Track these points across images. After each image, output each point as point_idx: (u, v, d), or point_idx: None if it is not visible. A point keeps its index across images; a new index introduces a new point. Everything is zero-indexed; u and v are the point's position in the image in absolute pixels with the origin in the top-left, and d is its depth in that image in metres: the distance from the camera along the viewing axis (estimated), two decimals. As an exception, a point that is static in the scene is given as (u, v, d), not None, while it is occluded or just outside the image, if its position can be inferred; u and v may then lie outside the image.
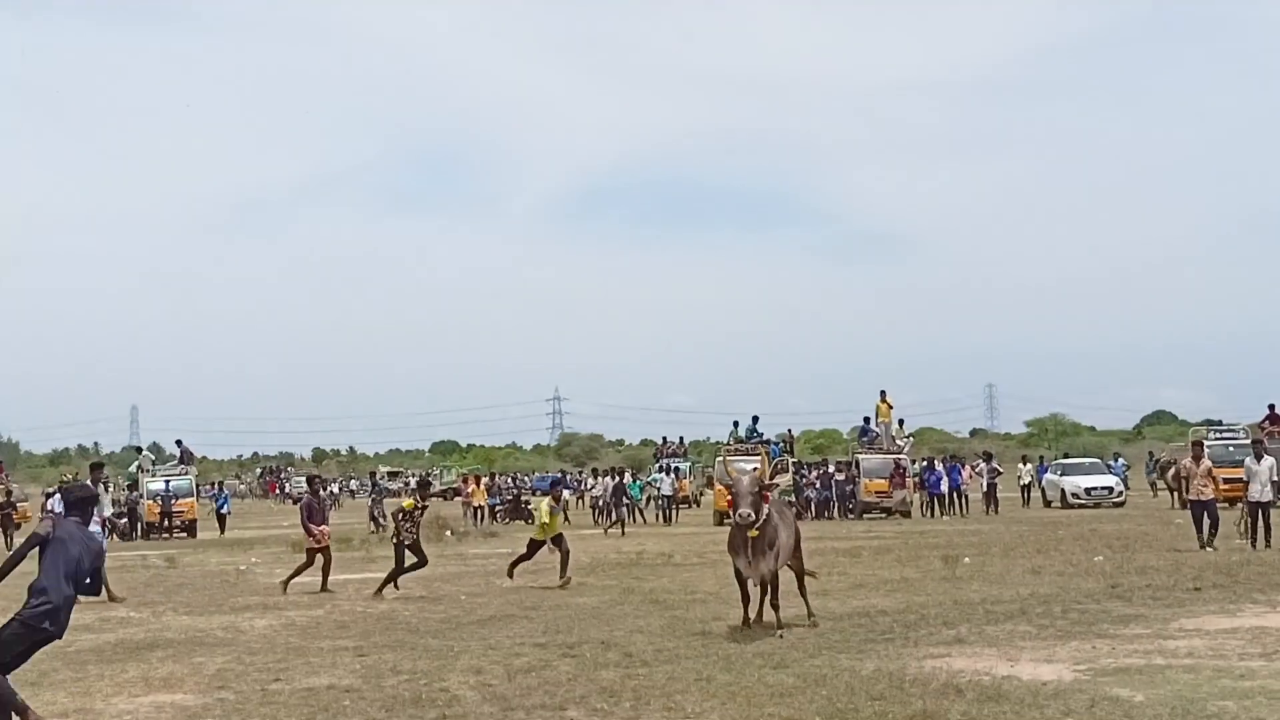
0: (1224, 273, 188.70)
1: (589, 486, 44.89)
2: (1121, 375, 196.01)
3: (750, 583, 13.95)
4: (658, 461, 52.64)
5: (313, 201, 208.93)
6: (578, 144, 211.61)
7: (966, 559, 21.43)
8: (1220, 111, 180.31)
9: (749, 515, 13.24)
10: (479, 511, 43.31)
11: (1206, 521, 22.19)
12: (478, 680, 10.94)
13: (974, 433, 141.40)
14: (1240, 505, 23.19)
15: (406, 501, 20.04)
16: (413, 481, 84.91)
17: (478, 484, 44.95)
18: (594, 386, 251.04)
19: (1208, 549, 21.51)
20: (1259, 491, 22.09)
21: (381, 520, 41.04)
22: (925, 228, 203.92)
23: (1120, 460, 54.55)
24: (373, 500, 43.98)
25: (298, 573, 20.39)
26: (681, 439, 55.73)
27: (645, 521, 42.15)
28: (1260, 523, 22.25)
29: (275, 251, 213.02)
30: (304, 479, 56.86)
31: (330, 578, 21.29)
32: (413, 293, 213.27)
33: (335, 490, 74.12)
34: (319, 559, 20.26)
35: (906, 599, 16.23)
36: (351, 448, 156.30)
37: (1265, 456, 22.67)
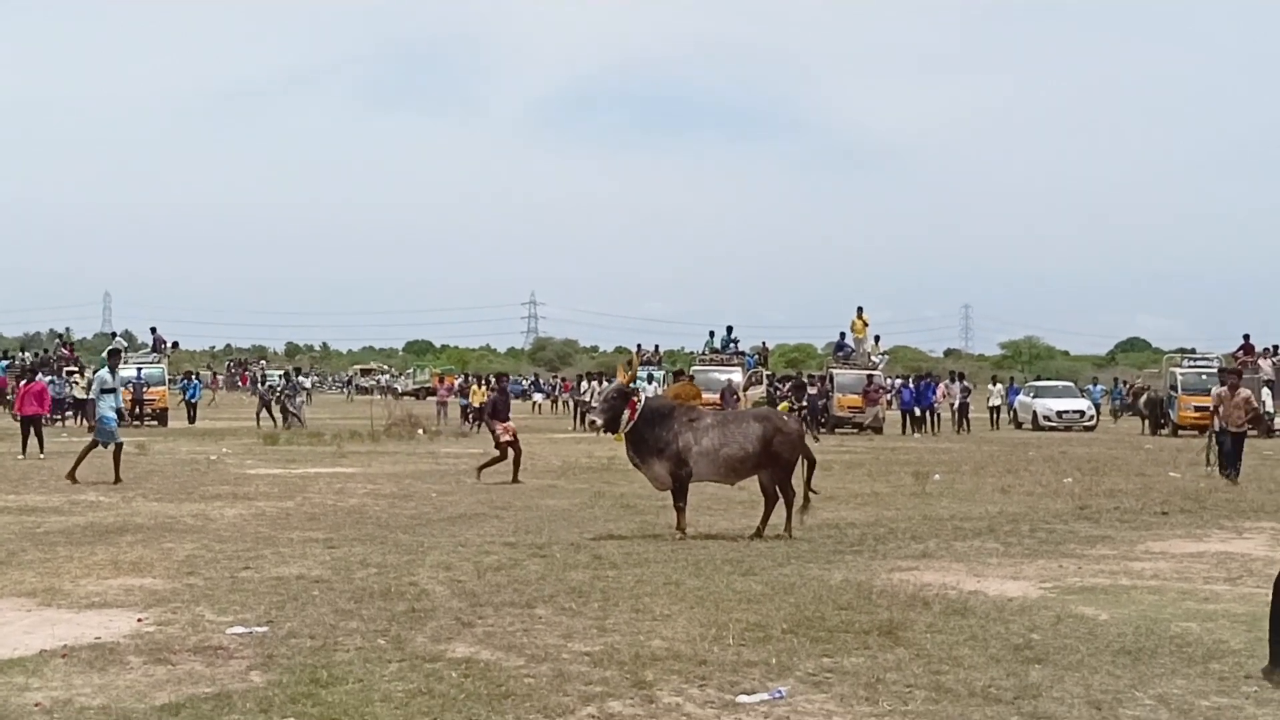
0: (1202, 200, 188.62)
1: (581, 391, 44.67)
2: (1097, 301, 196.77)
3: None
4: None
5: (294, 95, 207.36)
6: (564, 47, 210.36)
7: (936, 476, 21.57)
8: (1206, 36, 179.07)
9: (595, 421, 13.92)
10: (464, 411, 43.38)
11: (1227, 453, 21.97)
12: (447, 576, 10.97)
13: (948, 353, 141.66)
14: (1208, 433, 23.23)
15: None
16: (384, 379, 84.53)
17: (480, 383, 44.00)
18: (570, 292, 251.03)
19: (1224, 475, 21.19)
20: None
21: (291, 412, 40.75)
22: (909, 143, 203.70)
23: (1099, 385, 54.93)
24: (284, 394, 42.69)
25: (492, 463, 21.00)
26: (657, 347, 55.63)
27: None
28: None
29: (254, 144, 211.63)
30: (281, 372, 56.72)
31: (303, 470, 21.39)
32: (391, 191, 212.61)
33: (308, 385, 73.49)
34: (510, 452, 21.04)
35: (876, 513, 16.36)
36: (325, 344, 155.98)
37: (1240, 389, 22.62)
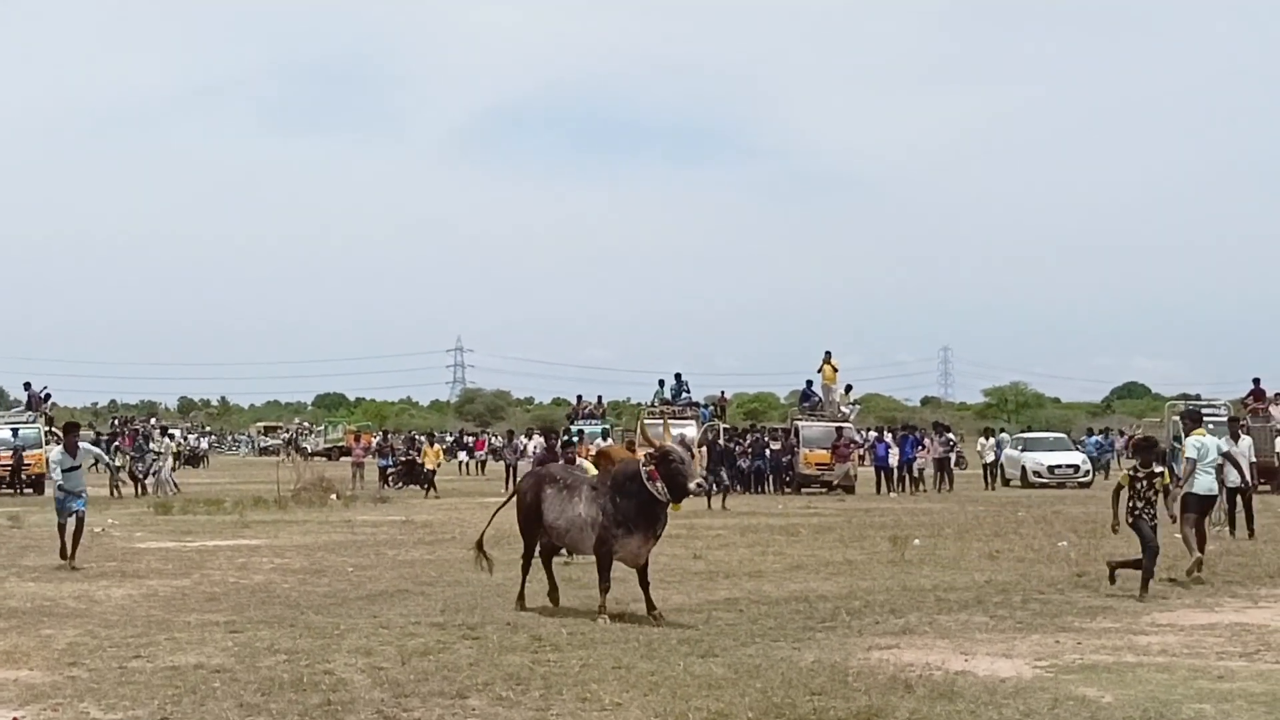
0: (1205, 231, 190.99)
1: (520, 448, 44.46)
2: (1090, 343, 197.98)
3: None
4: (571, 422, 52.69)
5: (185, 116, 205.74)
6: (490, 63, 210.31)
7: (916, 541, 21.66)
8: (1204, 54, 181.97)
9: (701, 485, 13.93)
10: (383, 473, 43.39)
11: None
12: (367, 663, 10.89)
13: (926, 401, 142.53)
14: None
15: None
16: (285, 436, 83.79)
17: (430, 444, 44.32)
18: (500, 338, 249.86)
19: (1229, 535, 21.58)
20: (1237, 477, 22.04)
21: (144, 478, 40.40)
22: (877, 170, 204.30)
23: (1094, 436, 55.29)
24: (134, 456, 41.99)
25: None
26: (600, 398, 55.77)
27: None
28: (1241, 509, 22.55)
29: (142, 172, 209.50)
30: (166, 430, 56.36)
31: (200, 543, 21.24)
32: (297, 225, 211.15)
33: (200, 443, 73.09)
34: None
35: (850, 583, 16.39)
36: (224, 398, 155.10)
37: (1243, 437, 22.91)
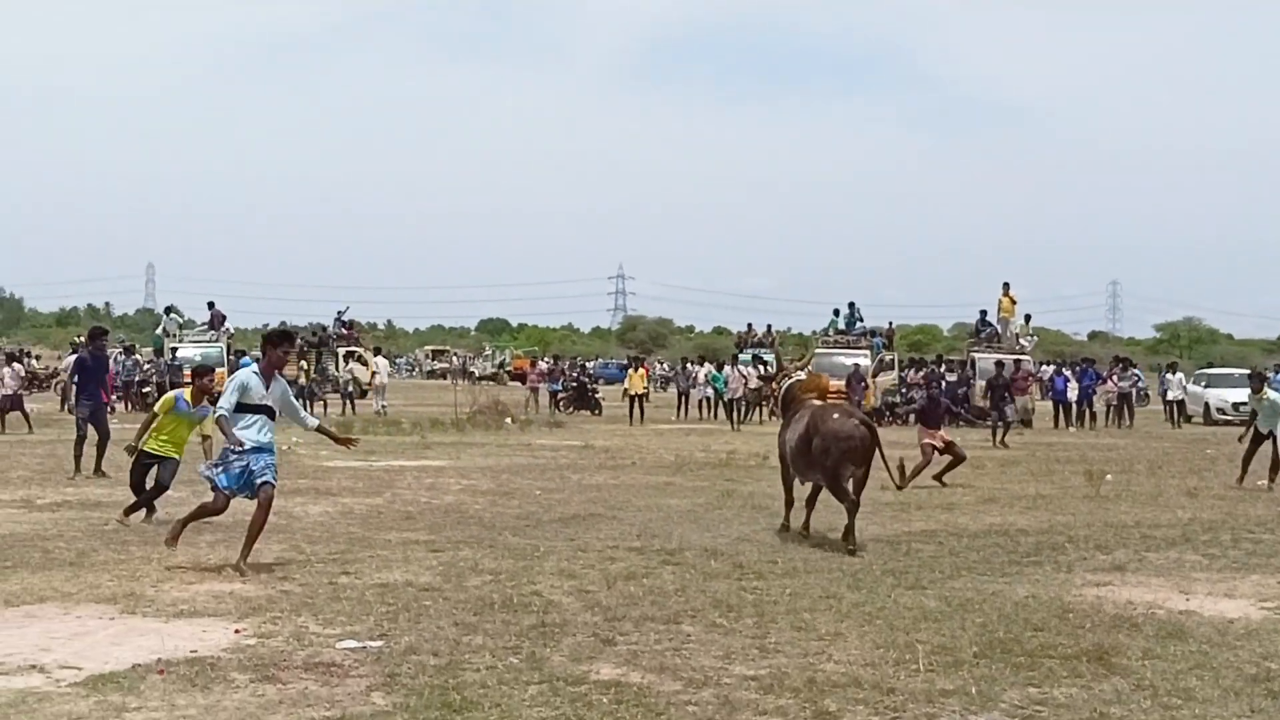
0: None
1: (693, 375, 44.21)
2: (1263, 277, 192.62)
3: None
4: (741, 350, 52.46)
5: (350, 44, 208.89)
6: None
7: (1109, 476, 21.16)
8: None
9: None
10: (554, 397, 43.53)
11: None
12: (572, 585, 10.87)
13: (1093, 336, 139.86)
14: None
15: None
16: (457, 361, 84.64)
17: (635, 368, 42.95)
18: (661, 266, 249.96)
19: None
20: None
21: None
22: (1044, 97, 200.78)
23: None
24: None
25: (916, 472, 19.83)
26: (770, 326, 55.43)
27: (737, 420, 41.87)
28: None
29: (308, 100, 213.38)
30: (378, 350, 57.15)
31: (386, 463, 21.47)
32: (460, 152, 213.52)
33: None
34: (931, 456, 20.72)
35: (1048, 518, 16.05)
36: (390, 321, 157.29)
37: None
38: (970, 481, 20.57)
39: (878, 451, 13.91)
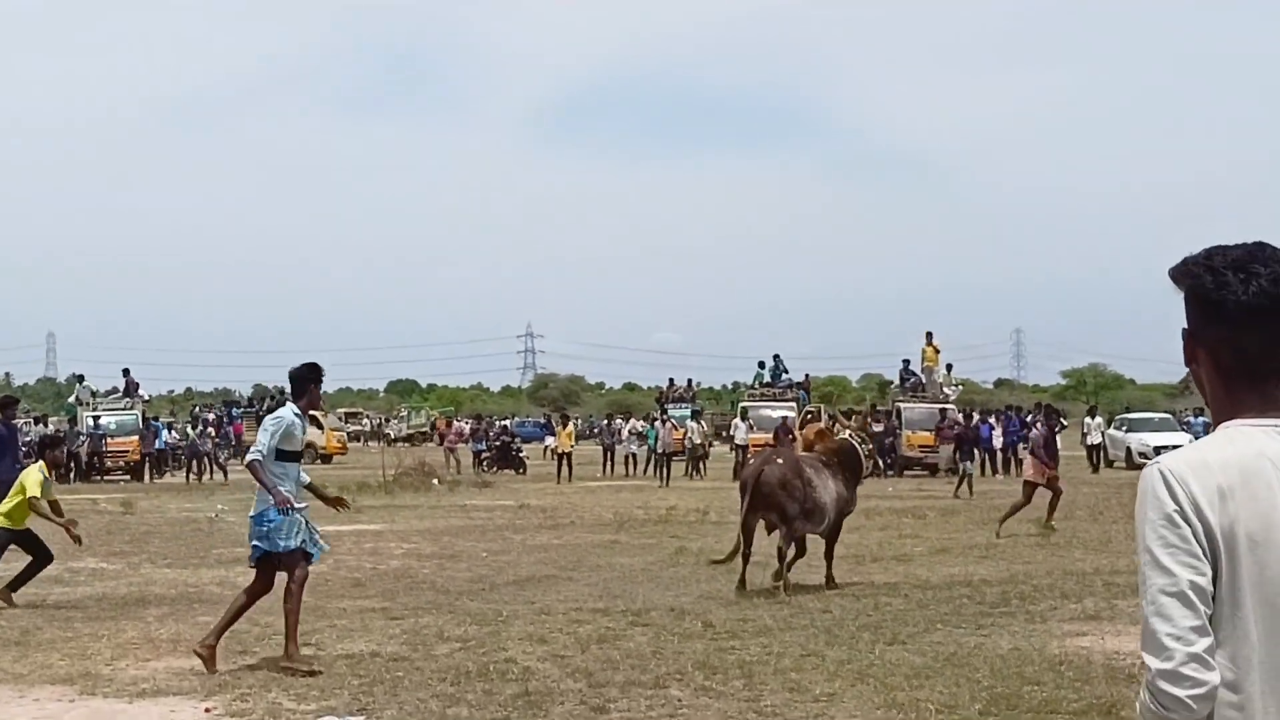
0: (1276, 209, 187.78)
1: (617, 431, 43.99)
2: (1164, 322, 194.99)
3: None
4: (662, 406, 52.35)
5: (259, 101, 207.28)
6: (563, 43, 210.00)
7: (1053, 523, 21.11)
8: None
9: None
10: (478, 457, 43.00)
11: None
12: (546, 650, 10.57)
13: (999, 383, 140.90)
14: None
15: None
16: (369, 423, 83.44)
17: (564, 425, 42.41)
18: (570, 323, 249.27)
19: None
20: None
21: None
22: (949, 147, 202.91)
23: (1200, 417, 54.22)
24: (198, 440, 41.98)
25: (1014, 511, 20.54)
26: (690, 381, 55.35)
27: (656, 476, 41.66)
28: None
29: (214, 159, 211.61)
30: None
31: (335, 527, 21.06)
32: (369, 210, 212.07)
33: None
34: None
35: (1007, 567, 15.94)
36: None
37: None
38: (917, 532, 20.46)
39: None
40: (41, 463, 13.86)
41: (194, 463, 41.22)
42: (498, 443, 46.00)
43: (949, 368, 43.98)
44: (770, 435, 37.84)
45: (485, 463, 44.30)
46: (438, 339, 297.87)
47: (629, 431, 43.28)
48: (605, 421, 49.64)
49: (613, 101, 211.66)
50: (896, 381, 45.75)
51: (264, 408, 55.98)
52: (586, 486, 35.94)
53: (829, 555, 14.61)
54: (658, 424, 39.98)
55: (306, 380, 10.76)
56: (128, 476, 40.54)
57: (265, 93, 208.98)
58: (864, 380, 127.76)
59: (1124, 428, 45.77)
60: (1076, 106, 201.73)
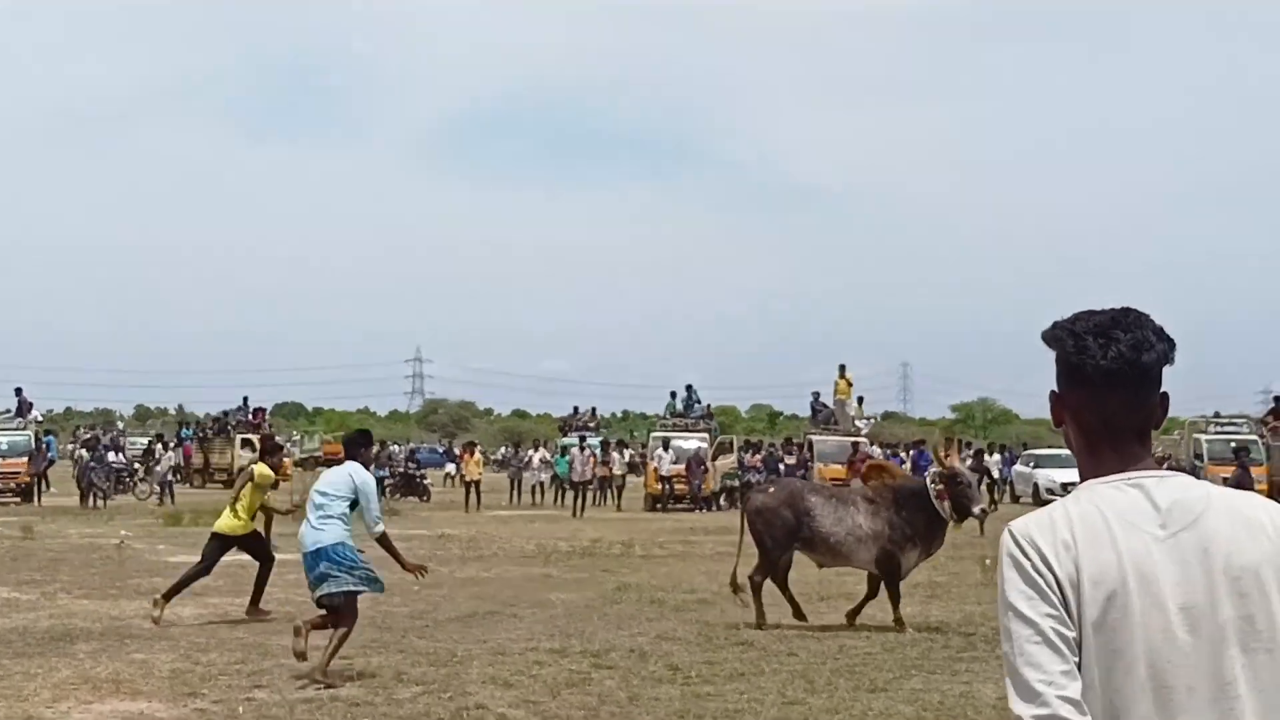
0: (1168, 241, 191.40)
1: (526, 459, 43.42)
2: (1043, 359, 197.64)
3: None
4: (565, 434, 51.86)
5: (146, 119, 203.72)
6: (457, 69, 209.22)
7: (988, 560, 20.91)
8: (1178, 62, 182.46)
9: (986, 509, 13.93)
10: (380, 483, 41.89)
11: None
12: (515, 696, 10.13)
13: (887, 416, 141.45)
14: None
15: None
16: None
17: (470, 453, 40.85)
18: (459, 348, 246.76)
19: None
20: None
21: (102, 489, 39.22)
22: (842, 182, 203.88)
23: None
24: (92, 463, 39.81)
25: None
26: (594, 410, 54.91)
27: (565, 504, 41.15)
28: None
29: (98, 175, 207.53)
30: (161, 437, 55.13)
31: (232, 557, 20.41)
32: (257, 230, 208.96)
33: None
34: None
35: (959, 608, 15.72)
36: (180, 406, 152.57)
37: None
38: (852, 570, 20.12)
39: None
40: None
41: (86, 485, 39.93)
42: (402, 470, 45.26)
43: (860, 400, 43.93)
44: (683, 466, 37.71)
45: (389, 490, 43.52)
46: (324, 362, 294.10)
47: (539, 460, 42.77)
48: (514, 449, 48.99)
49: (506, 128, 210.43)
50: (809, 414, 45.59)
51: (202, 431, 55.60)
52: (497, 516, 35.40)
53: (890, 596, 14.12)
54: (574, 452, 39.40)
55: (359, 446, 12.33)
56: (18, 499, 39.28)
57: (156, 108, 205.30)
58: (753, 410, 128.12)
59: (1031, 463, 46.00)
60: (967, 143, 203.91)
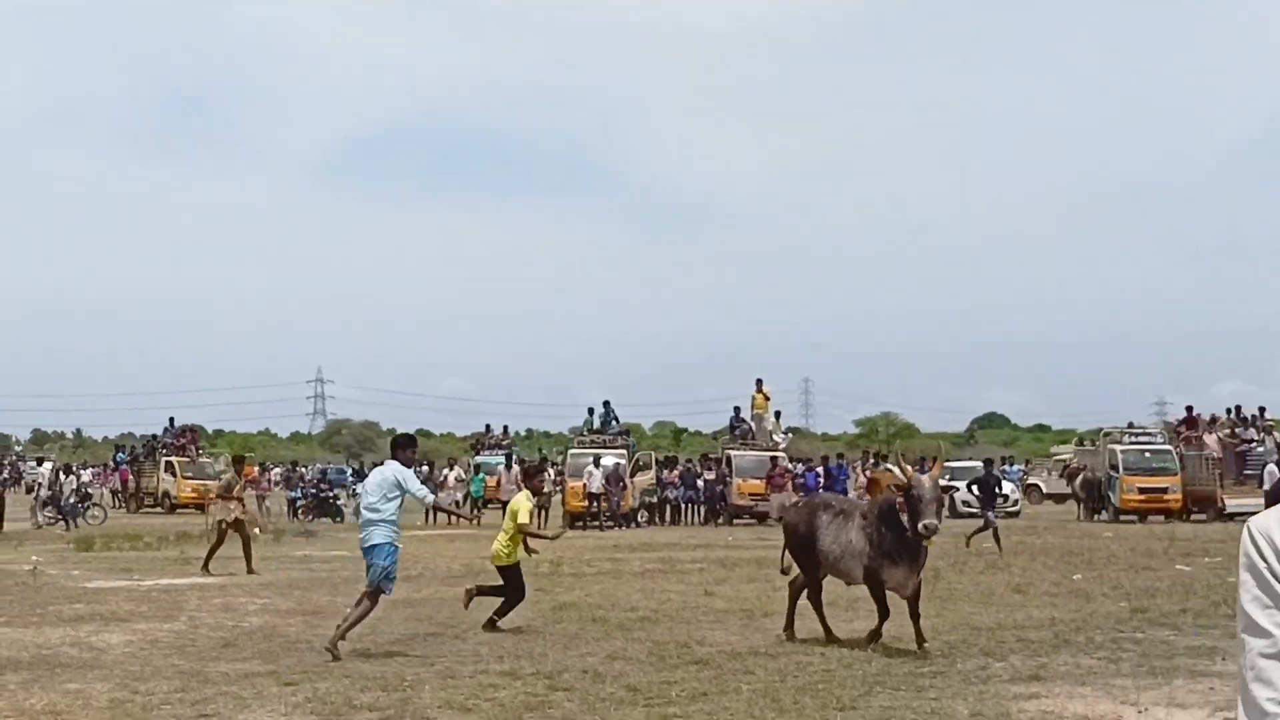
0: (1052, 263, 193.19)
1: (441, 479, 42.94)
2: (944, 374, 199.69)
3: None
4: (476, 453, 51.42)
5: (31, 140, 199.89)
6: (354, 90, 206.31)
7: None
8: (1062, 81, 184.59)
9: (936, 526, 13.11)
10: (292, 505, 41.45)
11: None
12: (476, 721, 9.71)
13: (790, 431, 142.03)
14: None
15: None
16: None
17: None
18: (360, 369, 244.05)
19: None
20: None
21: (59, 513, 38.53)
22: (739, 199, 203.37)
23: (1015, 465, 55.17)
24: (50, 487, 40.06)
25: None
26: (505, 429, 54.46)
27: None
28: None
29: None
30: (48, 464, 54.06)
31: (153, 581, 19.86)
32: (149, 253, 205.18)
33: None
34: None
35: (904, 623, 15.39)
36: (78, 430, 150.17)
37: None
38: (784, 585, 19.92)
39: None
40: None
41: None
42: (314, 490, 44.63)
43: (778, 415, 43.89)
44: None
45: (301, 511, 42.89)
46: (224, 383, 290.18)
47: (454, 479, 42.32)
48: (428, 468, 48.46)
49: (401, 149, 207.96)
50: (716, 430, 45.53)
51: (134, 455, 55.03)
52: (414, 535, 34.81)
53: (878, 612, 13.75)
54: (501, 470, 38.96)
55: (406, 447, 14.05)
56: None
57: (44, 128, 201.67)
58: (657, 428, 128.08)
59: (946, 476, 46.14)
60: (861, 159, 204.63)
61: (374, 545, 13.21)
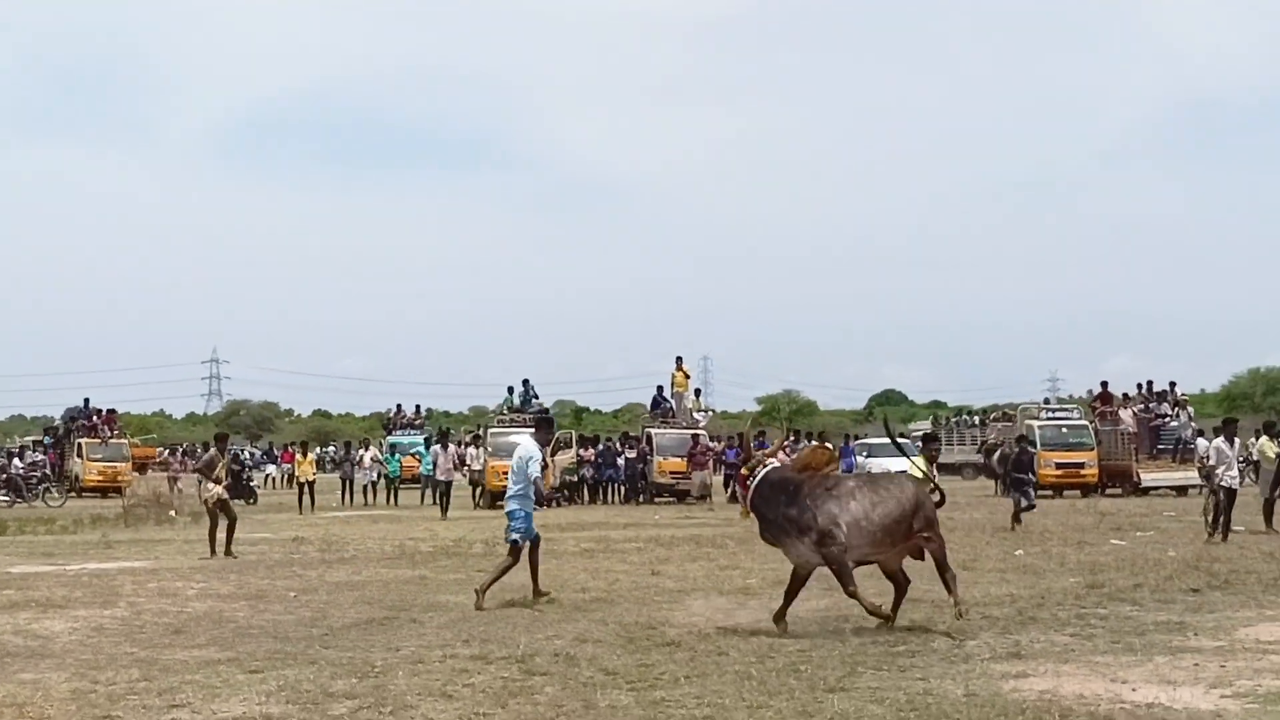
0: (948, 244, 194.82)
1: (357, 459, 42.38)
2: (841, 351, 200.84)
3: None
4: (389, 433, 50.98)
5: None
6: (249, 65, 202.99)
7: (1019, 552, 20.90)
8: (976, 69, 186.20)
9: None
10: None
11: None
12: (459, 710, 9.44)
13: (709, 410, 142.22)
14: (1206, 492, 23.18)
15: None
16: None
17: (304, 454, 39.82)
18: (255, 349, 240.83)
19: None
20: (1234, 478, 22.23)
21: None
22: (641, 179, 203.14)
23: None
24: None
25: None
26: (418, 407, 54.02)
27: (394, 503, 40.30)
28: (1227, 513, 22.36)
29: None
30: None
31: (80, 566, 19.35)
32: (41, 231, 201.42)
33: None
34: None
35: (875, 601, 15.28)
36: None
37: (1237, 439, 22.93)
38: (735, 562, 19.80)
39: None
40: None
41: None
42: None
43: (698, 393, 43.75)
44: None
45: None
46: (116, 364, 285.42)
47: (370, 460, 41.83)
48: (345, 449, 47.90)
49: (300, 125, 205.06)
50: (649, 408, 45.24)
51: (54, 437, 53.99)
52: (335, 517, 34.45)
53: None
54: (435, 449, 38.37)
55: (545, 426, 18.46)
56: None
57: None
58: (558, 407, 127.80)
59: (864, 453, 46.33)
60: (762, 143, 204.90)
61: (508, 511, 15.68)
